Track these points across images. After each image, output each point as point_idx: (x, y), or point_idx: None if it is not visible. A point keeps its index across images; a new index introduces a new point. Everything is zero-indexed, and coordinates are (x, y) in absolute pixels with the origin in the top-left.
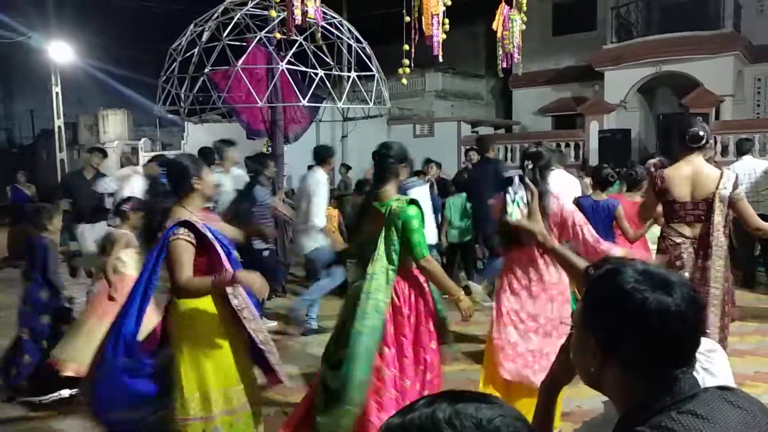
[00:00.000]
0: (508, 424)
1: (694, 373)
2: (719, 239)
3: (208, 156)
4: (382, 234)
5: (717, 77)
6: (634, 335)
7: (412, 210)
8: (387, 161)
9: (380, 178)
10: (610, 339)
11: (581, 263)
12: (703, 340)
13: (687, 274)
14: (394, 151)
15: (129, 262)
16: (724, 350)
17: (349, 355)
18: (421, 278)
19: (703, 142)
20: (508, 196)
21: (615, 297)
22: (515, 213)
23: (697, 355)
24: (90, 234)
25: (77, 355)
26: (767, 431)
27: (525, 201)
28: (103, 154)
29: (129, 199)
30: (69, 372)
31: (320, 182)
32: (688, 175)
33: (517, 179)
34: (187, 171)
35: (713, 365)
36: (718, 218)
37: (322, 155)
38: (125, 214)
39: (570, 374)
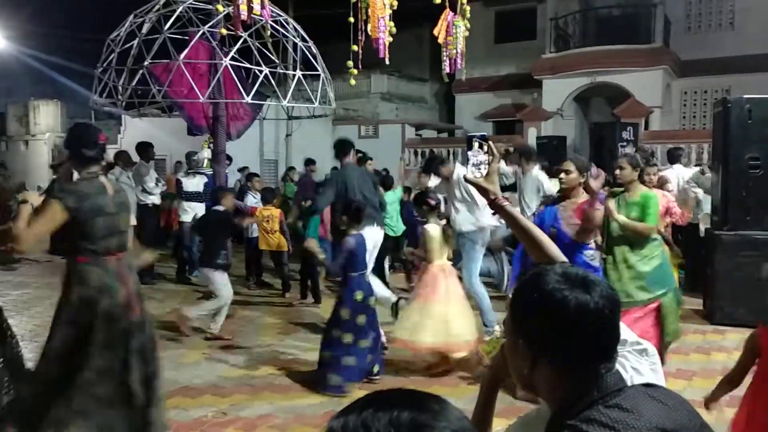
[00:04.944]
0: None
1: (623, 372)
2: None
3: (147, 151)
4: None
5: (647, 89)
6: (557, 333)
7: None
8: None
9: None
10: (537, 340)
11: (530, 226)
12: (636, 340)
13: None
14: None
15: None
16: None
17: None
18: None
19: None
20: (469, 155)
21: (538, 298)
22: (475, 172)
23: (627, 354)
24: None
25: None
26: (687, 423)
27: (485, 162)
28: None
29: (428, 194)
30: (398, 344)
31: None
32: None
33: (477, 142)
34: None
35: (642, 365)
36: None
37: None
38: (435, 210)
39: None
